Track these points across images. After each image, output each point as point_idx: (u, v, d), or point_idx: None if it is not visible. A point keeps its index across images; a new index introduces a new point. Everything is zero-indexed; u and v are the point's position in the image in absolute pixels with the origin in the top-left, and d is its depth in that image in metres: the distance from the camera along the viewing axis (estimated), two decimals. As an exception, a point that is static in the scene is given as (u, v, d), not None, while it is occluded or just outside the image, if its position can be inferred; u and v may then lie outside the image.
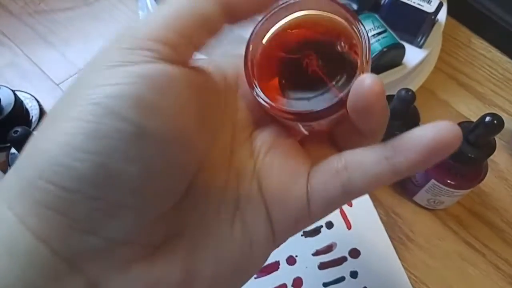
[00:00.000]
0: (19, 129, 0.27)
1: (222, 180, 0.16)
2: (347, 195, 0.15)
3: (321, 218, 0.16)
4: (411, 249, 0.34)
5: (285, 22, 0.16)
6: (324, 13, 0.16)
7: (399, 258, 0.33)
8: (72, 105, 0.13)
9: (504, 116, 0.29)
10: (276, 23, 0.16)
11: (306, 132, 0.17)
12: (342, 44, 0.16)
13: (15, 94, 0.32)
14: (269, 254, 0.16)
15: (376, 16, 0.38)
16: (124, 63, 0.13)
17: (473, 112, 0.41)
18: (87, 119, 0.12)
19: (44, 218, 0.12)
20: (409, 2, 0.38)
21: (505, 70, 0.44)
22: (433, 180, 0.33)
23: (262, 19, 0.16)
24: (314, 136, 0.17)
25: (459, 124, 0.32)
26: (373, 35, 0.37)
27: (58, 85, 0.41)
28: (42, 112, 0.34)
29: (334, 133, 0.17)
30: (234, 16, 0.15)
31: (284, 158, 0.16)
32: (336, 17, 0.16)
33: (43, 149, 0.13)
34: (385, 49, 0.36)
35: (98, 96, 0.13)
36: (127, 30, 0.14)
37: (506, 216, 0.36)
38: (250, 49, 0.16)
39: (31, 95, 0.34)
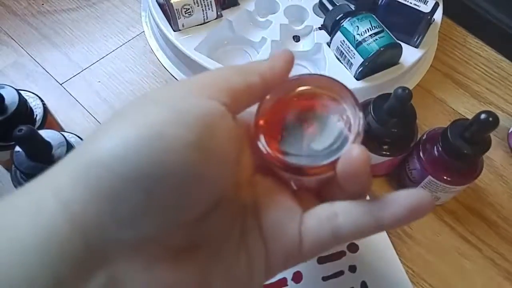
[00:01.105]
0: (23, 127, 0.27)
1: (234, 211, 0.17)
2: (335, 240, 0.17)
3: (310, 258, 0.18)
4: (409, 244, 0.35)
5: (296, 91, 0.19)
6: (329, 92, 0.19)
7: (397, 253, 0.33)
8: (136, 108, 0.15)
9: (499, 113, 0.30)
10: (287, 90, 0.19)
11: (295, 187, 0.19)
12: (339, 118, 0.19)
13: (19, 93, 0.33)
14: (261, 285, 0.18)
15: (374, 16, 0.39)
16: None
17: (468, 110, 0.42)
18: (152, 123, 0.14)
19: (90, 205, 0.13)
20: (405, 3, 0.39)
21: (500, 69, 0.45)
22: (429, 177, 0.34)
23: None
24: (304, 192, 0.19)
25: (455, 121, 0.33)
26: (371, 35, 0.37)
27: (61, 84, 0.42)
28: (46, 111, 0.35)
29: (323, 193, 0.19)
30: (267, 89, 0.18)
31: (280, 201, 0.18)
32: (338, 96, 0.19)
33: (103, 141, 0.14)
34: (382, 49, 0.37)
35: (168, 104, 0.15)
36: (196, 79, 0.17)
37: (502, 212, 0.37)
38: (262, 106, 0.19)
39: (35, 94, 0.35)
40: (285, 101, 0.19)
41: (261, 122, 0.18)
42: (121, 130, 0.14)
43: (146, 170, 0.13)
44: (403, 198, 0.16)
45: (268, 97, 0.19)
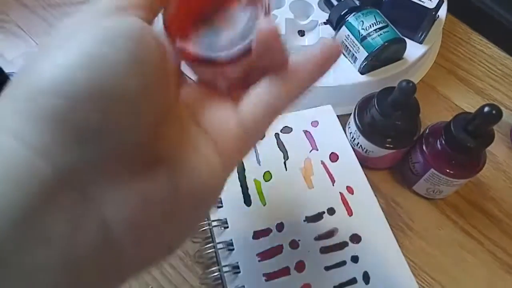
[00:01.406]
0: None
1: (179, 121, 0.18)
2: (272, 109, 0.18)
3: (259, 137, 0.19)
4: (411, 237, 0.35)
5: None
6: None
7: (399, 245, 0.34)
8: (70, 36, 0.15)
9: (502, 110, 0.30)
10: None
11: (223, 84, 0.20)
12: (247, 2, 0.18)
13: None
14: (225, 181, 0.19)
15: (378, 11, 0.39)
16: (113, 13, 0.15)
17: (472, 106, 0.42)
18: (88, 45, 0.14)
19: (45, 130, 0.13)
20: (410, -2, 0.39)
21: (504, 66, 0.45)
22: (432, 170, 0.34)
23: None
24: (233, 90, 0.20)
25: (458, 115, 0.33)
26: (375, 30, 0.38)
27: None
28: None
29: (247, 86, 0.20)
30: None
31: (214, 102, 0.19)
32: None
33: (44, 67, 0.14)
34: (386, 43, 0.37)
35: (97, 27, 0.15)
36: None
37: (504, 207, 0.37)
38: (169, 7, 0.18)
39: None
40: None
41: (172, 23, 0.18)
42: (58, 54, 0.14)
43: (98, 87, 0.13)
44: (310, 52, 0.18)
45: None
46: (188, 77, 0.20)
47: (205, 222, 0.32)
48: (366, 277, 0.31)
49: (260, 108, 0.18)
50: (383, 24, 0.38)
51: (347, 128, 0.38)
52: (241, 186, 0.34)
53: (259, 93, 0.18)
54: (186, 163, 0.17)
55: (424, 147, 0.34)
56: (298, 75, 0.18)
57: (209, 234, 0.33)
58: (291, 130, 0.37)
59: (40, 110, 0.13)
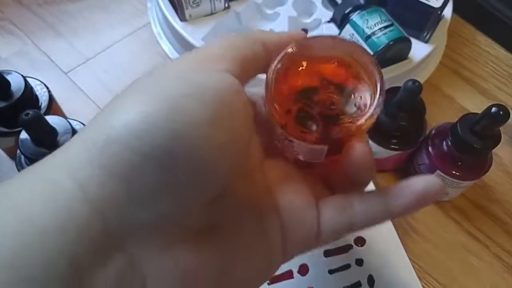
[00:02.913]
0: (30, 111, 0.27)
1: (249, 194, 0.17)
2: (350, 228, 0.17)
3: (325, 244, 0.18)
4: (416, 240, 0.34)
5: (318, 56, 0.18)
6: (354, 62, 0.18)
7: (404, 248, 0.33)
8: (151, 82, 0.14)
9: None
10: (306, 55, 0.18)
11: (302, 158, 0.19)
12: (356, 93, 0.18)
13: (25, 80, 0.32)
14: (278, 267, 0.18)
15: (383, 10, 0.38)
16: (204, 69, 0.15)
17: (477, 107, 0.42)
18: (168, 96, 0.13)
19: (107, 185, 0.12)
20: (415, -3, 0.39)
21: (509, 67, 0.45)
22: (438, 171, 0.33)
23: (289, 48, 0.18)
24: (315, 181, 0.19)
25: (465, 115, 0.33)
26: (380, 29, 0.37)
27: (66, 73, 0.41)
28: (51, 98, 0.34)
29: (329, 182, 0.19)
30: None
31: (296, 188, 0.18)
32: (362, 69, 0.18)
33: (118, 116, 0.13)
34: (391, 43, 0.37)
35: (186, 80, 0.14)
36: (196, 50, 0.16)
37: (509, 209, 0.37)
38: (272, 75, 0.17)
39: (41, 81, 0.34)
40: (297, 66, 0.18)
41: (274, 92, 0.17)
42: (136, 104, 0.13)
43: (166, 145, 0.13)
44: (412, 186, 0.17)
45: (285, 54, 0.17)
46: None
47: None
48: (370, 281, 0.30)
49: (342, 226, 0.17)
50: (388, 23, 0.37)
51: (351, 129, 0.37)
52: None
53: (347, 212, 0.17)
54: (246, 245, 0.16)
55: (429, 148, 0.34)
56: (391, 205, 0.17)
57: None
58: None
59: (112, 165, 0.12)
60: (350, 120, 0.17)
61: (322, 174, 0.19)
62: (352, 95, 0.18)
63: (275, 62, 0.17)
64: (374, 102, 0.17)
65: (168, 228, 0.14)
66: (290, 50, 0.17)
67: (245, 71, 0.16)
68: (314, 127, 0.17)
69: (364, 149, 0.16)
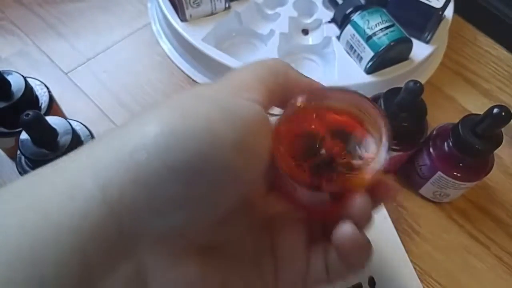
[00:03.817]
0: (30, 112, 0.27)
1: (250, 222, 0.18)
2: (329, 280, 0.18)
3: None
4: (417, 242, 0.34)
5: (326, 103, 0.18)
6: (362, 115, 0.18)
7: (405, 250, 0.33)
8: (185, 100, 0.15)
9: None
10: (317, 99, 0.18)
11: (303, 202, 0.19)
12: (362, 145, 0.18)
13: (25, 80, 0.32)
14: None
15: (384, 10, 0.38)
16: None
17: (478, 108, 0.41)
18: (201, 116, 0.14)
19: (128, 189, 0.13)
20: (416, -3, 0.38)
21: (511, 68, 0.45)
22: (439, 172, 0.33)
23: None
24: (312, 221, 0.19)
25: (466, 116, 0.32)
26: (381, 29, 0.37)
27: (66, 74, 0.41)
28: (51, 99, 0.34)
29: (328, 223, 0.19)
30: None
31: (294, 231, 0.18)
32: (370, 123, 0.18)
33: (151, 126, 0.14)
34: (392, 43, 0.36)
35: (220, 105, 0.15)
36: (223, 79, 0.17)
37: (511, 211, 0.37)
38: (287, 115, 0.18)
39: (41, 81, 0.34)
40: (307, 115, 0.18)
41: (282, 137, 0.17)
42: (169, 118, 0.14)
43: (191, 161, 0.13)
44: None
45: (296, 102, 0.18)
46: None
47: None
48: (371, 282, 0.30)
49: (336, 276, 0.17)
50: (389, 23, 0.37)
51: (351, 130, 0.37)
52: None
53: (339, 267, 0.17)
54: (243, 270, 0.16)
55: (431, 150, 0.34)
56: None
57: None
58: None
59: (137, 171, 0.13)
60: (354, 172, 0.17)
61: (322, 216, 0.20)
62: (358, 147, 0.18)
63: (286, 107, 0.18)
64: (379, 156, 0.17)
65: (178, 239, 0.14)
66: (301, 98, 0.18)
67: (270, 102, 0.17)
68: (317, 175, 0.17)
69: (363, 203, 0.16)
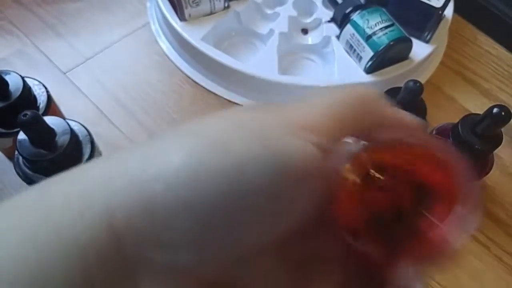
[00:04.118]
0: (28, 112, 0.27)
1: (271, 268, 0.15)
2: None
3: None
4: (416, 242, 0.34)
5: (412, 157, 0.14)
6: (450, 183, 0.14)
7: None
8: (220, 126, 0.13)
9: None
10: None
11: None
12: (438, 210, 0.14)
13: (23, 80, 0.32)
14: None
15: (383, 10, 0.38)
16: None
17: (478, 107, 0.41)
18: (235, 154, 0.12)
19: (136, 218, 0.12)
20: (416, -3, 0.38)
21: (511, 67, 0.45)
22: (439, 172, 0.33)
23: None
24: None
25: (466, 116, 0.32)
26: (381, 29, 0.37)
27: (65, 74, 0.41)
28: (50, 99, 0.34)
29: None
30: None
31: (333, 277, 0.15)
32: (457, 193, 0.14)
33: (171, 155, 0.12)
34: (392, 43, 0.36)
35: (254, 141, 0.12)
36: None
37: (511, 211, 0.36)
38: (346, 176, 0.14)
39: (39, 81, 0.34)
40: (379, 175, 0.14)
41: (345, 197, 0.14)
42: (199, 149, 0.12)
43: (212, 203, 0.12)
44: None
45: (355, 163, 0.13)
46: None
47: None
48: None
49: None
50: (389, 23, 0.37)
51: (351, 129, 0.37)
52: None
53: None
54: None
55: (430, 150, 0.33)
56: None
57: None
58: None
59: (149, 202, 0.12)
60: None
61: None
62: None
63: (364, 149, 0.14)
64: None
65: (183, 275, 0.13)
66: (375, 154, 0.14)
67: (334, 137, 0.14)
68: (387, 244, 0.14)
69: None
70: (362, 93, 0.14)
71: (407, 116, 0.15)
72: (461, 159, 0.14)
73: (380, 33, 0.37)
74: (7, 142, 0.33)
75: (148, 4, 0.45)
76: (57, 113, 0.35)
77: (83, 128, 0.32)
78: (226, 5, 0.40)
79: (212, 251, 0.13)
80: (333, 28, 0.40)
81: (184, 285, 0.13)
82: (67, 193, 0.13)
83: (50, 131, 0.29)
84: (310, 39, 0.42)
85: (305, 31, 0.43)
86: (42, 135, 0.28)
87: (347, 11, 0.39)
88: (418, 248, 0.14)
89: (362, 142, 0.14)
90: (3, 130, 0.32)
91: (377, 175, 0.14)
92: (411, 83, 0.31)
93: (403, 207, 0.14)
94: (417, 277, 0.14)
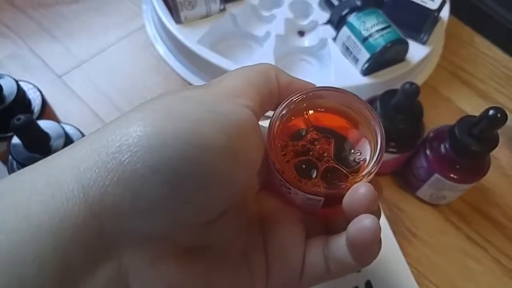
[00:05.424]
0: (22, 116, 0.27)
1: (240, 222, 0.17)
2: (328, 276, 0.17)
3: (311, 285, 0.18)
4: (414, 244, 0.34)
5: (317, 104, 0.18)
6: (355, 114, 0.18)
7: (402, 252, 0.33)
8: (171, 101, 0.14)
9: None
10: (307, 101, 0.18)
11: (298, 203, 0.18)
12: (356, 145, 0.18)
13: (17, 83, 0.32)
14: None
15: (380, 12, 0.38)
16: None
17: (475, 109, 0.41)
18: (190, 119, 0.13)
19: (110, 190, 0.13)
20: (412, -1, 0.38)
21: (507, 69, 0.45)
22: (436, 174, 0.33)
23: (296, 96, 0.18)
24: (312, 218, 0.19)
25: (463, 118, 0.32)
26: (377, 30, 0.37)
27: (60, 77, 0.41)
28: (44, 102, 0.34)
29: (329, 222, 0.19)
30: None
31: (287, 226, 0.18)
32: (364, 122, 0.18)
33: (135, 127, 0.13)
34: (388, 45, 0.36)
35: (213, 110, 0.14)
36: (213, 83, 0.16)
37: (508, 212, 0.36)
38: (277, 121, 0.18)
39: (33, 85, 0.34)
40: (301, 115, 0.18)
41: (276, 138, 0.17)
42: (154, 119, 0.13)
43: (177, 164, 0.13)
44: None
45: (289, 103, 0.18)
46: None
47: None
48: (368, 286, 0.30)
49: (337, 272, 0.17)
50: (385, 25, 0.37)
51: (348, 132, 0.37)
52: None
53: (324, 254, 0.17)
54: (231, 273, 0.16)
55: (427, 152, 0.33)
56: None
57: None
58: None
59: (120, 172, 0.13)
60: (348, 174, 0.17)
61: (317, 215, 0.19)
62: (352, 149, 0.18)
63: (280, 108, 0.18)
64: (373, 159, 0.17)
65: (160, 242, 0.14)
66: (296, 98, 0.18)
67: (262, 107, 0.17)
68: (312, 178, 0.17)
69: (367, 190, 0.16)
70: (265, 67, 0.18)
71: (301, 81, 0.19)
72: (363, 103, 0.18)
73: (377, 35, 0.37)
74: (1, 146, 0.33)
75: (143, 7, 0.45)
76: (52, 116, 0.35)
77: (78, 132, 0.31)
78: (222, 7, 0.40)
79: (184, 213, 0.14)
80: (330, 30, 0.40)
81: (162, 253, 0.14)
82: (34, 180, 0.13)
83: (44, 135, 0.28)
84: (307, 41, 0.42)
85: (301, 33, 0.43)
86: (36, 139, 0.28)
87: (344, 13, 0.39)
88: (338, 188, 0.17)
89: (284, 104, 0.18)
90: (-3, 134, 0.32)
91: (301, 128, 0.18)
92: (407, 85, 0.31)
93: (320, 155, 0.18)
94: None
